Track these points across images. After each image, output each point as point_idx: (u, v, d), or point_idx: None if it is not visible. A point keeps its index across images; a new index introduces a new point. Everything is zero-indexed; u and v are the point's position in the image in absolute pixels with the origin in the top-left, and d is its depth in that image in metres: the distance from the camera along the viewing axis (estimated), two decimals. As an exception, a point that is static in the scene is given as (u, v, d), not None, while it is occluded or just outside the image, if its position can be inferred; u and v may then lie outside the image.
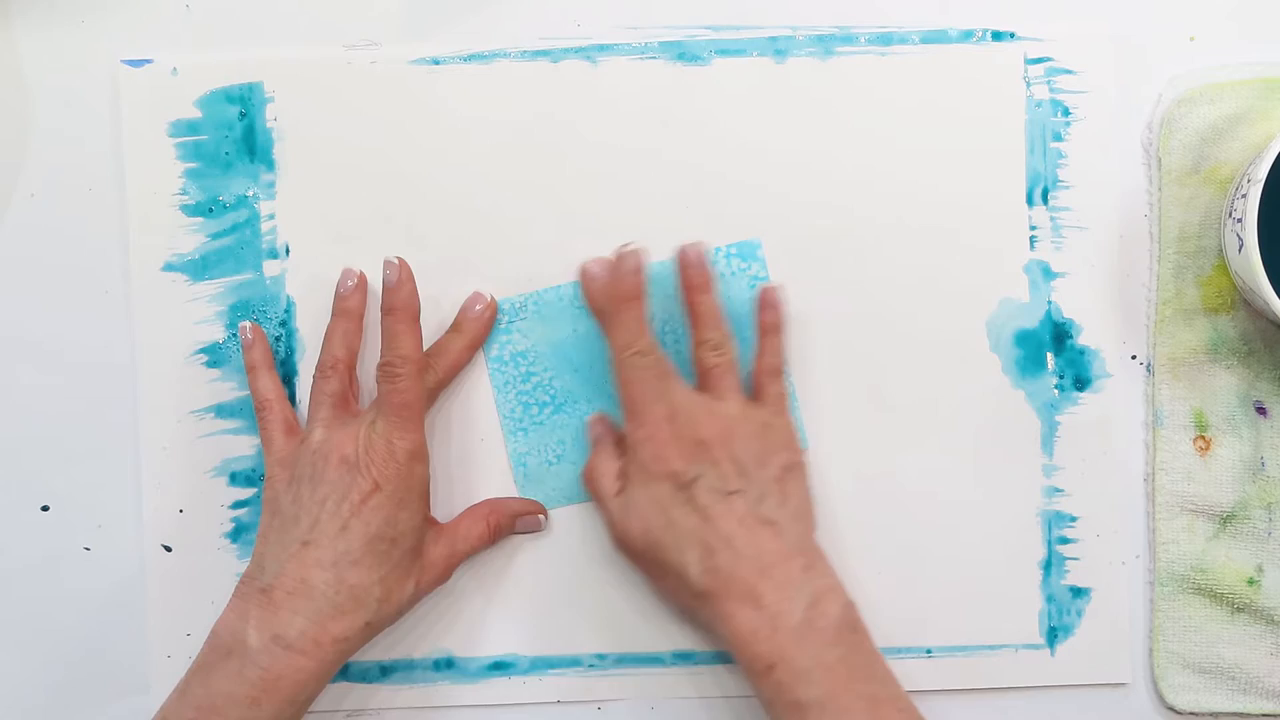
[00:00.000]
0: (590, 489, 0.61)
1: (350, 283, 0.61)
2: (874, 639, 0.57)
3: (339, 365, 0.60)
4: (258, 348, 0.62)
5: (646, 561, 0.59)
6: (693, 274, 0.61)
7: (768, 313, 0.62)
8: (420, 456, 0.59)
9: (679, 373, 0.60)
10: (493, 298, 0.62)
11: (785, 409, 0.61)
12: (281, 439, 0.61)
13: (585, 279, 0.61)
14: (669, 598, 0.61)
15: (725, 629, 0.56)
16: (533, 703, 0.63)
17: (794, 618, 0.55)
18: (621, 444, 0.60)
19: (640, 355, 0.59)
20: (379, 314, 0.60)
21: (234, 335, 0.63)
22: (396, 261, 0.60)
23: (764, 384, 0.61)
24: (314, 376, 0.61)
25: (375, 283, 0.62)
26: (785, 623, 0.55)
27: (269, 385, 0.62)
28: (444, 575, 0.61)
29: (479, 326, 0.62)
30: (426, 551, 0.60)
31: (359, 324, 0.62)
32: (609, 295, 0.60)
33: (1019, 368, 0.62)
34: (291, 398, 0.63)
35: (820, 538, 0.60)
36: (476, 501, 0.63)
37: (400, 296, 0.59)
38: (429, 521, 0.61)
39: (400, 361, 0.59)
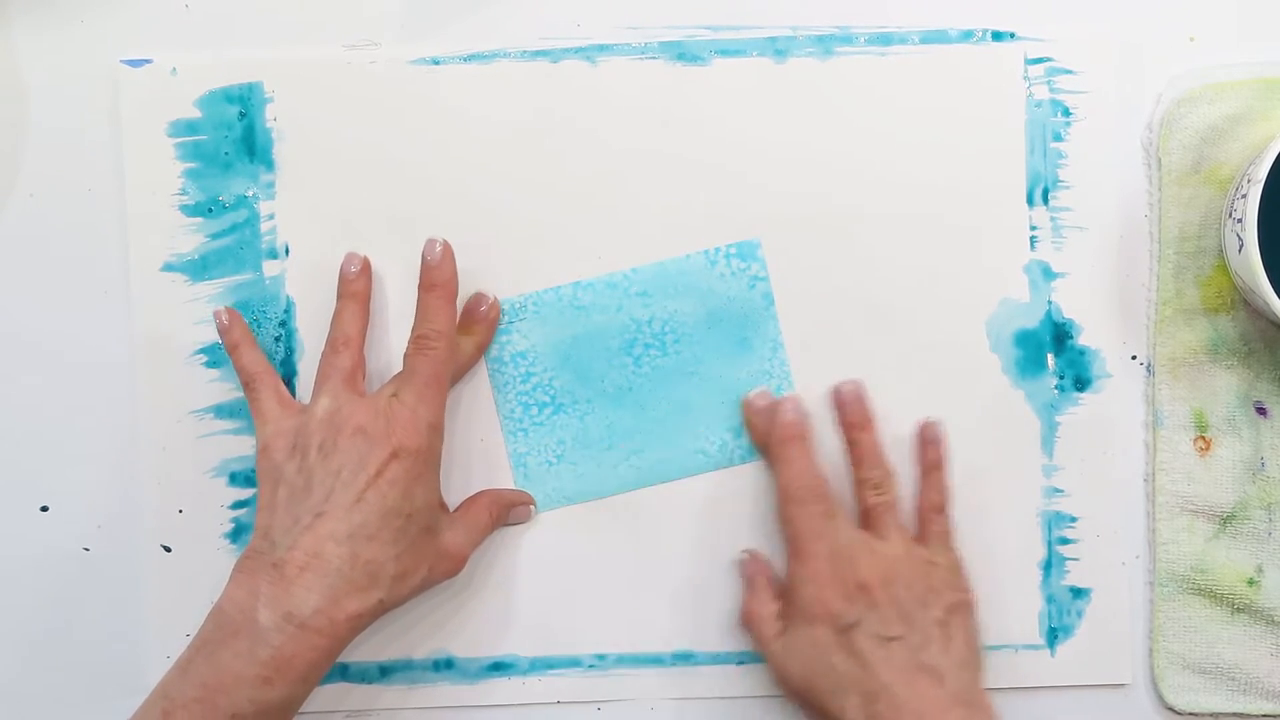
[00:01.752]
0: (750, 630, 0.60)
1: (354, 267, 0.61)
2: None
3: (351, 342, 0.60)
4: (236, 328, 0.61)
5: (806, 704, 0.58)
6: (851, 411, 0.61)
7: (929, 449, 0.61)
8: (440, 432, 0.58)
9: (845, 512, 0.60)
10: (495, 297, 0.62)
11: (951, 546, 0.60)
12: (276, 409, 0.59)
13: (749, 410, 0.62)
14: None
15: None
16: (533, 703, 0.63)
17: None
18: (776, 584, 0.61)
19: (807, 494, 0.59)
20: (382, 300, 0.60)
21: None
22: (441, 241, 0.60)
23: (928, 521, 0.61)
24: (323, 353, 0.60)
25: (378, 272, 0.62)
26: None
27: (254, 359, 0.61)
28: (457, 565, 0.60)
29: (486, 327, 0.62)
30: (443, 537, 0.59)
31: (366, 307, 0.61)
32: (772, 434, 0.60)
33: (1019, 368, 0.62)
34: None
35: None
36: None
37: (442, 274, 0.59)
38: (442, 506, 0.61)
39: (435, 335, 0.58)
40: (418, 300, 0.60)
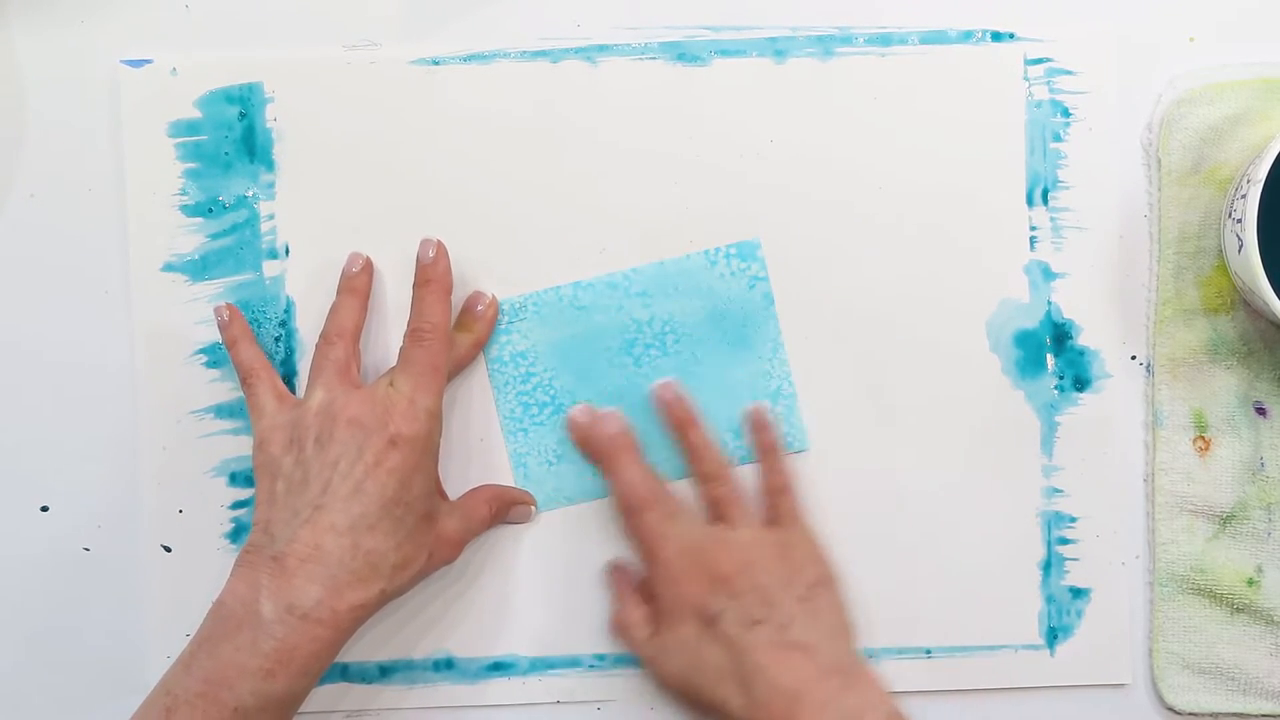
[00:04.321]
0: (622, 639, 0.61)
1: (356, 266, 0.62)
2: None
3: (345, 335, 0.60)
4: (236, 324, 0.61)
5: (687, 701, 0.58)
6: (676, 412, 0.61)
7: (762, 433, 0.62)
8: (438, 420, 0.58)
9: (689, 508, 0.60)
10: (493, 296, 0.62)
11: (803, 524, 0.61)
12: (273, 404, 0.59)
13: (571, 428, 0.62)
14: None
15: None
16: (533, 703, 0.63)
17: None
18: (643, 589, 0.61)
19: (643, 502, 0.59)
20: (381, 299, 0.61)
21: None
22: (435, 240, 0.61)
23: (775, 503, 0.61)
24: (316, 346, 0.60)
25: (377, 271, 0.62)
26: None
27: (252, 354, 0.61)
28: (455, 552, 0.60)
29: (483, 325, 0.62)
30: (441, 524, 0.59)
31: (364, 303, 0.61)
32: (598, 448, 0.61)
33: (1019, 368, 0.62)
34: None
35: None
36: (476, 500, 0.63)
37: (436, 271, 0.60)
38: (441, 493, 0.61)
39: (431, 328, 0.59)
40: (413, 297, 0.60)
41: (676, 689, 0.58)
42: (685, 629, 0.57)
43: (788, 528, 0.60)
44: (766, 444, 0.62)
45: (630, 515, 0.59)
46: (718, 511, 0.60)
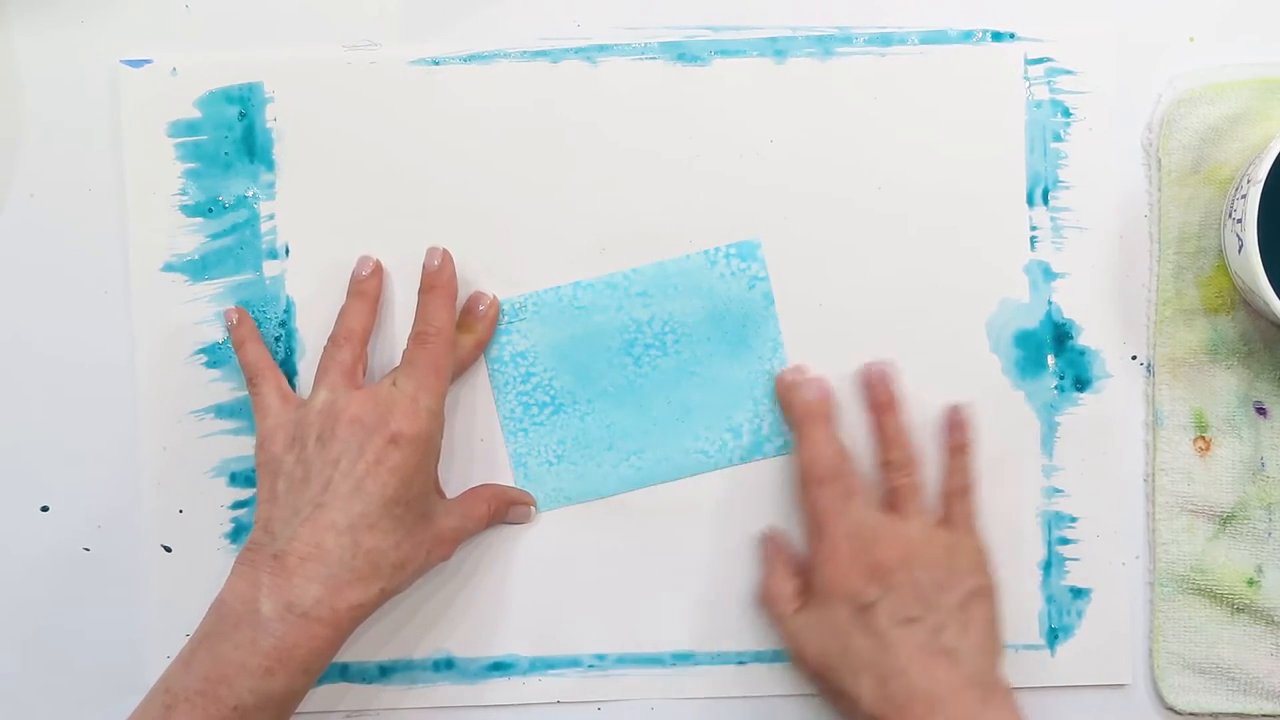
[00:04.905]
0: (767, 608, 0.61)
1: (366, 270, 0.62)
2: None
3: (353, 337, 0.60)
4: (244, 325, 0.62)
5: (821, 683, 0.58)
6: (878, 393, 0.61)
7: (955, 433, 0.61)
8: (439, 420, 0.58)
9: (867, 493, 0.60)
10: (494, 296, 0.62)
11: (975, 530, 0.60)
12: (278, 404, 0.60)
13: (779, 386, 0.62)
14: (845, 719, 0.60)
15: None
16: (533, 703, 0.63)
17: None
18: (794, 563, 0.61)
19: (827, 473, 0.59)
20: (389, 302, 0.61)
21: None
22: (440, 250, 0.61)
23: (951, 505, 0.61)
24: (325, 347, 0.60)
25: (387, 271, 0.63)
26: None
27: (258, 355, 0.61)
28: (450, 550, 0.60)
29: (485, 325, 0.62)
30: (438, 523, 0.59)
31: (373, 306, 0.62)
32: (794, 411, 0.60)
33: (1019, 368, 0.62)
34: (291, 398, 0.63)
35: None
36: (476, 501, 0.63)
37: (441, 277, 0.61)
38: (439, 491, 0.61)
39: (434, 331, 0.59)
40: (418, 302, 0.60)
41: (813, 670, 0.58)
42: (836, 611, 0.57)
43: (959, 532, 0.60)
44: (957, 444, 0.61)
45: (810, 486, 0.59)
46: (893, 501, 0.60)
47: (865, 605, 0.57)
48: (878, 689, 0.56)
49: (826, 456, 0.59)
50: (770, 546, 0.62)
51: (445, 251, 0.61)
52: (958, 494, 0.61)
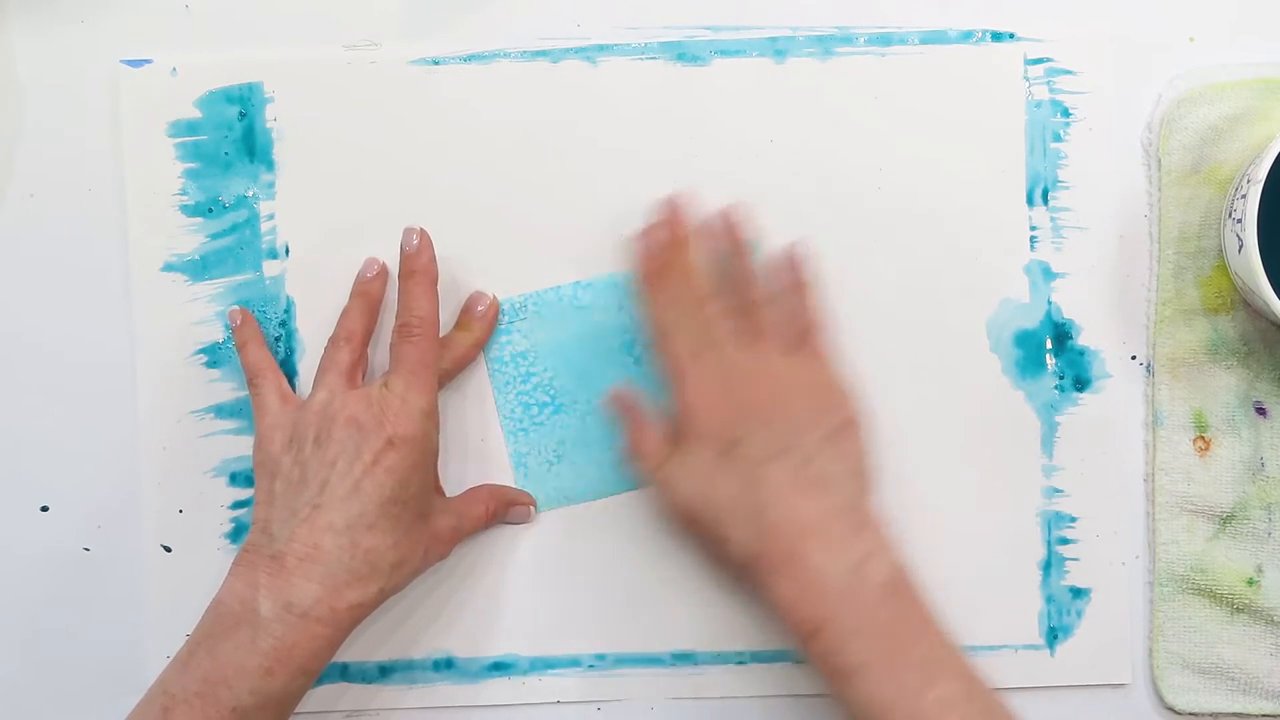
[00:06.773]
0: (636, 461, 0.60)
1: (370, 272, 0.62)
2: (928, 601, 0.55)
3: (354, 338, 0.60)
4: (247, 326, 0.62)
5: (694, 528, 0.58)
6: (730, 239, 0.61)
7: (798, 270, 0.61)
8: (433, 417, 0.58)
9: (721, 333, 0.59)
10: (494, 296, 0.62)
11: (833, 363, 0.60)
12: (277, 404, 0.60)
13: (635, 240, 0.60)
14: (719, 567, 0.60)
15: (770, 596, 0.55)
16: (533, 703, 0.63)
17: (838, 580, 0.54)
18: (655, 414, 0.60)
19: (682, 313, 0.58)
20: (389, 303, 0.61)
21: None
22: (418, 229, 0.60)
23: (808, 340, 0.60)
24: (325, 347, 0.60)
25: (392, 273, 0.62)
26: (829, 585, 0.54)
27: (260, 355, 0.61)
28: (448, 549, 0.60)
29: (484, 324, 0.62)
30: (435, 522, 0.59)
31: (375, 308, 0.62)
32: (643, 262, 0.59)
33: (1019, 368, 0.62)
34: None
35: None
36: (475, 500, 0.63)
37: (420, 261, 0.60)
38: (438, 490, 0.61)
39: (418, 322, 0.59)
40: (399, 289, 0.60)
41: (683, 516, 0.58)
42: (703, 453, 0.57)
43: (822, 366, 0.59)
44: (796, 281, 0.61)
45: (664, 323, 0.59)
46: (750, 339, 0.59)
47: (732, 442, 0.56)
48: (748, 526, 0.55)
49: (682, 294, 0.58)
50: (621, 404, 0.61)
51: (423, 231, 0.60)
52: (811, 330, 0.60)
